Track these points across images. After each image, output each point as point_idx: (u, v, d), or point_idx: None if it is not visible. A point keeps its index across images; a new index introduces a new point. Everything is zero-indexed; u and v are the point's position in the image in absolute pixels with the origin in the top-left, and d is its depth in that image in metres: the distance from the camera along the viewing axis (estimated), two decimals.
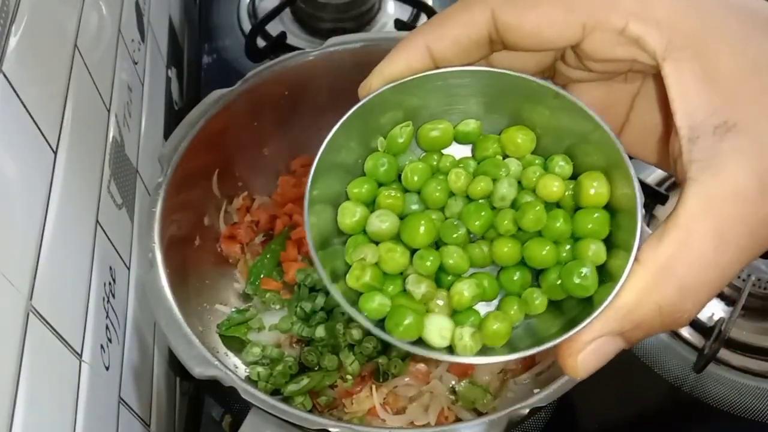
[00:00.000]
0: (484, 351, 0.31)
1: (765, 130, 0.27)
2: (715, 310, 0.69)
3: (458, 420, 0.60)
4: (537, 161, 0.34)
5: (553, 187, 0.32)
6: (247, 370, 0.61)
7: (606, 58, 0.31)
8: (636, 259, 0.28)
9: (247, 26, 0.96)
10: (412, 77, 0.32)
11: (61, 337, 0.44)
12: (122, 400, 0.54)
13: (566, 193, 0.32)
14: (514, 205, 0.33)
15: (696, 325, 0.68)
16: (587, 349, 0.29)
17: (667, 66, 0.29)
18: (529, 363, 0.63)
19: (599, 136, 0.31)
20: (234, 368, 0.60)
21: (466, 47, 0.32)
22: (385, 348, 0.61)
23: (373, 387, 0.61)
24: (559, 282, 0.31)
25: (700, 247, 0.27)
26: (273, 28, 0.92)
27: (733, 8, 0.29)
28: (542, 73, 0.35)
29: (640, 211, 0.29)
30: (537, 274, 0.33)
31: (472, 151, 0.35)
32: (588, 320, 0.28)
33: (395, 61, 0.32)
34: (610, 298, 0.28)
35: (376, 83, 0.32)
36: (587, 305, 0.30)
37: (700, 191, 0.27)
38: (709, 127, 0.27)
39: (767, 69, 0.28)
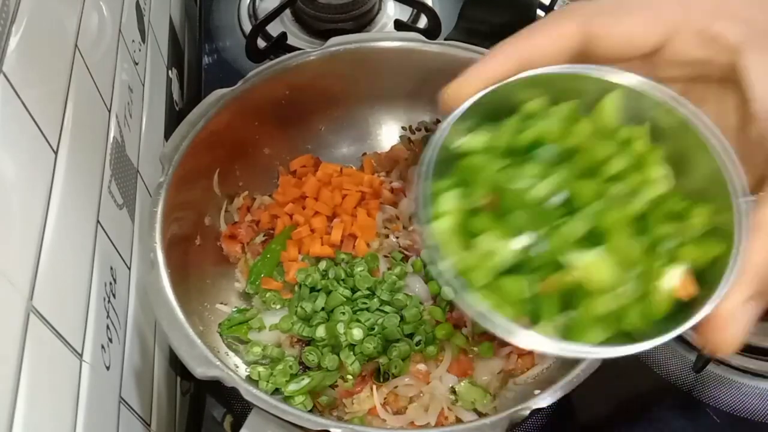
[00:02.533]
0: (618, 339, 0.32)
1: None
2: None
3: (458, 420, 0.60)
4: None
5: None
6: (248, 370, 0.61)
7: (685, 60, 0.33)
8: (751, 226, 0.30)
9: (247, 27, 0.96)
10: (504, 82, 0.33)
11: (62, 336, 0.44)
12: (123, 399, 0.54)
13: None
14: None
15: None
16: (734, 320, 0.29)
17: (744, 57, 0.31)
18: (529, 364, 0.63)
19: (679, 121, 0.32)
20: (234, 368, 0.61)
21: (554, 58, 0.33)
22: (386, 348, 0.61)
23: (374, 387, 0.61)
24: None
25: None
26: (273, 29, 0.92)
27: None
28: None
29: (744, 188, 0.31)
30: None
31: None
32: (722, 289, 0.29)
33: (488, 68, 0.34)
34: (737, 263, 0.29)
35: (472, 84, 0.33)
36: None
37: None
38: None
39: None
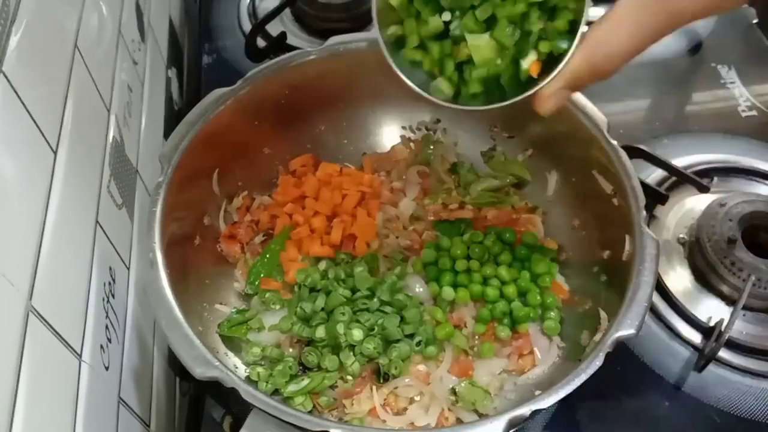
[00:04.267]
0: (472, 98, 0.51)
1: None
2: (715, 310, 0.69)
3: (459, 421, 0.59)
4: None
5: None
6: (247, 371, 0.61)
7: None
8: (582, 35, 0.45)
9: (247, 26, 0.96)
10: None
11: (61, 337, 0.44)
12: (122, 400, 0.54)
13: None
14: None
15: (696, 325, 0.68)
16: (554, 96, 0.48)
17: None
18: (530, 364, 0.63)
19: None
20: (234, 368, 0.60)
21: None
22: (386, 349, 0.61)
23: (374, 388, 0.61)
24: None
25: (624, 28, 0.45)
26: (273, 28, 0.92)
27: None
28: None
29: (588, 4, 0.45)
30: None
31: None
32: (553, 74, 0.47)
33: None
34: (565, 60, 0.46)
35: None
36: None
37: None
38: None
39: None
